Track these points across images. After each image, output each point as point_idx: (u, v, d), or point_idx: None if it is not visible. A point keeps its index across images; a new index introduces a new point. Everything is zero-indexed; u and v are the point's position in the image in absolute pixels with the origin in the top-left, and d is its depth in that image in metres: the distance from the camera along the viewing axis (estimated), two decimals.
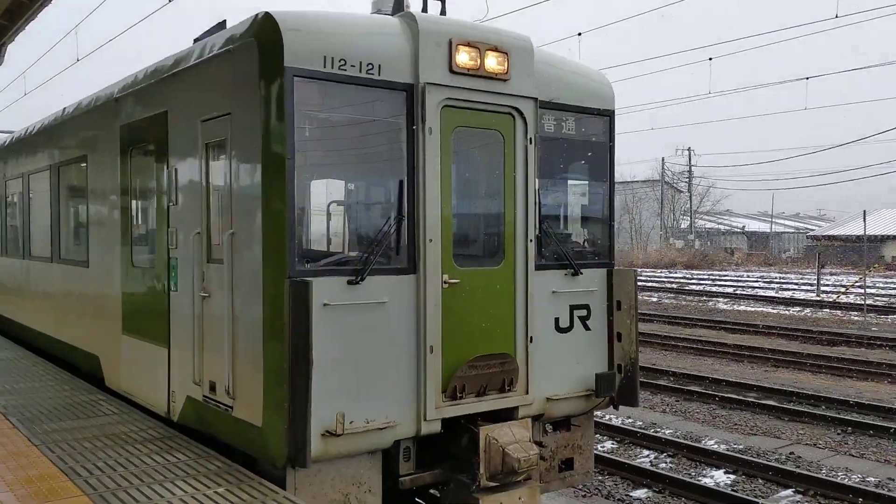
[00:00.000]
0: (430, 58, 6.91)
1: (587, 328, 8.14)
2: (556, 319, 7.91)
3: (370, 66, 6.64)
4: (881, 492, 10.13)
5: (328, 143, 6.90)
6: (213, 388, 7.24)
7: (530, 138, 7.53)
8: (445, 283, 7.03)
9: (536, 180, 7.58)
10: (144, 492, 6.16)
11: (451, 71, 7.01)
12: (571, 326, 8.03)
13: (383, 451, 6.88)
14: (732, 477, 11.21)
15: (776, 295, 39.38)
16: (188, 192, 7.74)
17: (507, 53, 7.32)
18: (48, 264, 12.29)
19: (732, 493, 10.29)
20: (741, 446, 12.62)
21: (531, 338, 7.57)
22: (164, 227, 8.21)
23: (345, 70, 6.51)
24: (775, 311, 33.10)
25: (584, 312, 8.12)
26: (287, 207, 6.23)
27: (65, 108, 11.71)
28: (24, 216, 13.71)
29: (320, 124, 6.69)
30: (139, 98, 8.82)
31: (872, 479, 10.96)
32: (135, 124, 8.92)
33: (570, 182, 8.49)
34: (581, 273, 8.02)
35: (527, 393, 7.56)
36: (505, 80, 7.33)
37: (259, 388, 6.47)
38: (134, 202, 9.19)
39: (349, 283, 6.53)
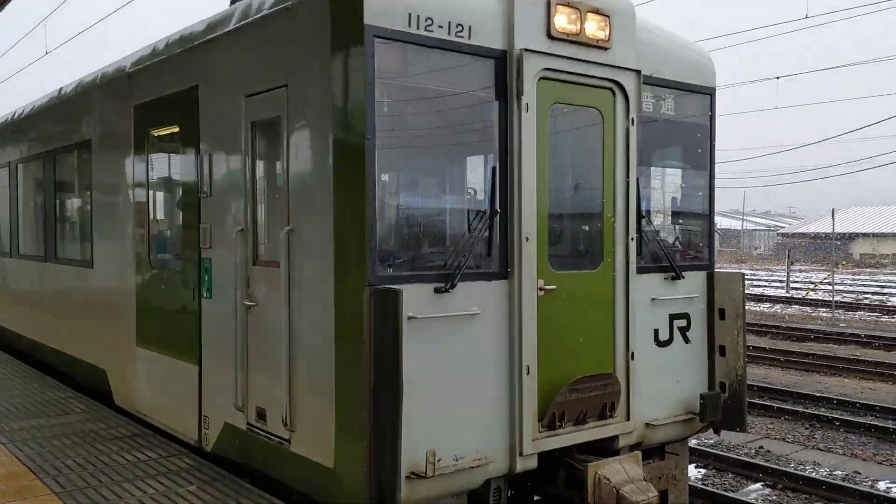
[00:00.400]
0: (527, 20, 5.75)
1: (687, 341, 7.04)
2: (656, 331, 6.78)
3: (459, 28, 5.47)
4: (848, 485, 10.04)
5: (410, 120, 5.69)
6: (261, 415, 6.04)
7: (632, 118, 6.40)
8: (541, 289, 5.88)
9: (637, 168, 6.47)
10: (114, 490, 5.99)
11: (549, 36, 5.86)
12: (671, 339, 6.91)
13: (469, 492, 5.73)
14: (703, 471, 11.01)
15: (746, 291, 38.77)
16: (226, 181, 6.51)
17: (608, 17, 6.18)
18: (41, 264, 10.95)
19: (703, 487, 10.07)
20: (712, 441, 12.33)
21: (632, 353, 6.45)
22: (193, 223, 6.97)
23: (431, 31, 5.33)
24: (745, 307, 32.67)
25: (683, 322, 7.01)
26: (367, 198, 5.04)
27: (62, 88, 10.37)
28: (12, 210, 12.32)
29: (402, 97, 5.48)
30: (160, 72, 7.55)
31: (840, 473, 10.86)
32: (154, 103, 7.65)
33: (668, 171, 7.36)
34: (682, 277, 6.91)
35: (628, 419, 6.43)
36: (605, 49, 6.19)
37: (329, 420, 5.28)
38: (152, 194, 7.93)
39: (436, 291, 5.37)
